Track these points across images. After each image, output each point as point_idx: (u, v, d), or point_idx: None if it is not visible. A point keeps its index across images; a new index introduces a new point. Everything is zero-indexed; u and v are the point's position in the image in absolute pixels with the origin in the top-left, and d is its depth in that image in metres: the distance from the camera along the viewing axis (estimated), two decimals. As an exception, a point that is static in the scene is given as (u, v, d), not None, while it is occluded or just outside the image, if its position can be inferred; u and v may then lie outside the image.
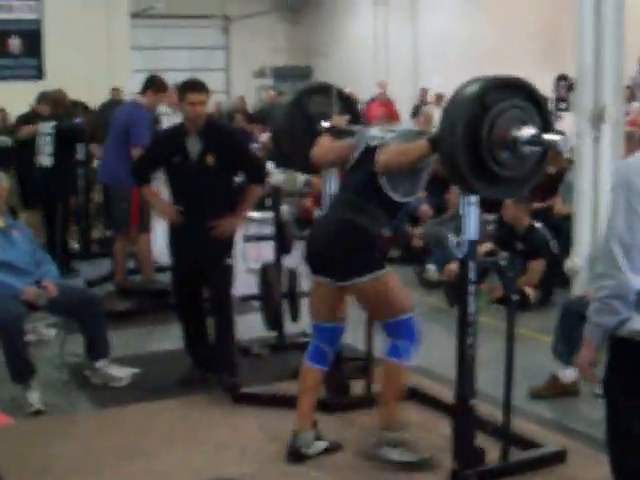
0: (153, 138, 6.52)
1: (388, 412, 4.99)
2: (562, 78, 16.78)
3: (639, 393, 3.42)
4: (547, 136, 4.14)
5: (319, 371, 5.21)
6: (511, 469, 4.80)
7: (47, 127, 10.11)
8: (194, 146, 6.12)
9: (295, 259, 7.79)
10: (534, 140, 4.10)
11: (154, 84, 8.55)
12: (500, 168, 4.15)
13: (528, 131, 4.11)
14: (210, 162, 6.09)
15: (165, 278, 9.20)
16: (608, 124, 7.02)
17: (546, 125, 4.25)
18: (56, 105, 10.37)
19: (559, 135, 4.24)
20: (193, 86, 6.15)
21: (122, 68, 14.98)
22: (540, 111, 4.27)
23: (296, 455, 5.05)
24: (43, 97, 10.62)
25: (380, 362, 5.18)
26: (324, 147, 5.39)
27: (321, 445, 5.12)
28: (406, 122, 15.57)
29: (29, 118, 10.64)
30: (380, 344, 5.58)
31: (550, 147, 4.29)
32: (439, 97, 17.83)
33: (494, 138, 4.09)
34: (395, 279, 5.00)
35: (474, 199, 4.45)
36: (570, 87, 16.28)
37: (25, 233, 6.49)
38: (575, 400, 6.00)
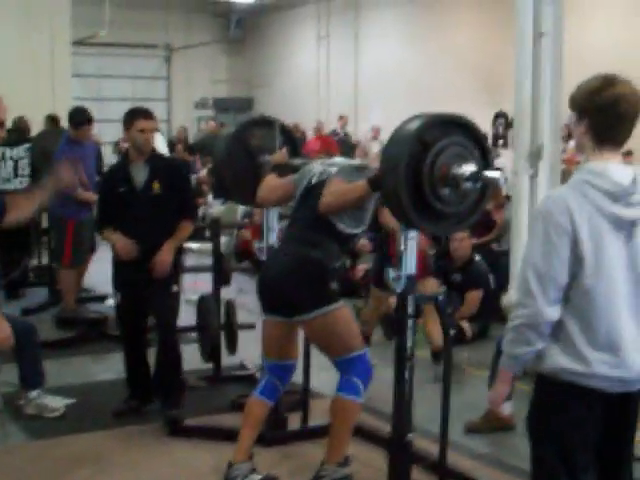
0: (101, 180, 6.51)
1: (335, 447, 4.94)
2: (500, 115, 16.99)
3: (563, 435, 3.40)
4: (487, 173, 4.19)
5: (267, 406, 5.20)
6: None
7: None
8: (140, 174, 6.11)
9: (233, 291, 7.80)
10: (474, 177, 4.15)
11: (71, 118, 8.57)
12: (442, 205, 4.18)
13: (468, 168, 4.15)
14: (156, 190, 6.08)
15: (103, 308, 9.17)
16: (545, 162, 7.14)
17: (486, 162, 4.30)
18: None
19: (498, 171, 4.29)
20: (141, 113, 6.15)
21: (63, 95, 14.83)
22: (479, 148, 4.32)
23: None
24: None
25: (321, 396, 5.17)
26: (268, 186, 5.37)
27: (256, 478, 5.08)
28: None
29: None
30: (318, 378, 5.61)
31: (490, 183, 4.34)
32: (376, 130, 18.02)
33: (435, 176, 4.12)
34: (347, 314, 4.99)
35: (414, 234, 4.48)
36: (508, 124, 16.50)
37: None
38: (511, 434, 6.04)
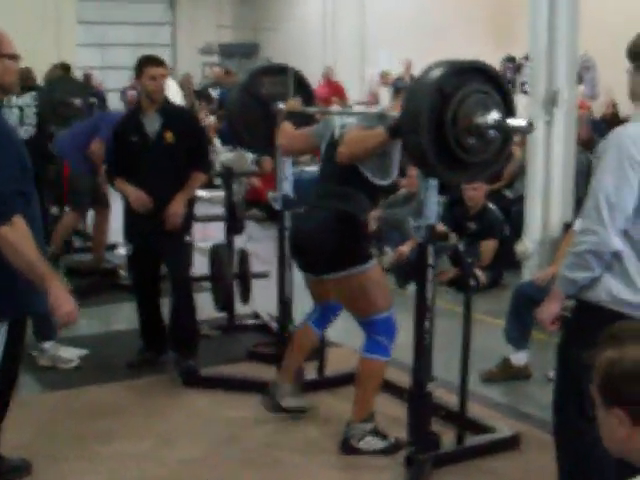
0: (112, 129, 6.40)
1: (361, 405, 4.94)
2: (509, 59, 16.81)
3: None
4: (511, 121, 4.11)
5: (316, 334, 5.37)
6: (466, 454, 4.81)
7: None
8: (152, 124, 6.02)
9: (243, 239, 7.75)
10: (498, 125, 4.07)
11: None
12: (467, 154, 4.12)
13: (492, 116, 4.07)
14: (169, 140, 6.00)
15: (116, 258, 9.13)
16: (561, 107, 7.05)
17: (508, 108, 4.22)
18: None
19: (523, 119, 4.21)
20: (153, 60, 6.06)
21: (68, 42, 14.74)
22: (502, 95, 4.24)
23: (274, 406, 5.26)
24: None
25: (337, 345, 5.15)
26: (289, 135, 5.30)
27: (294, 402, 5.29)
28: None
29: None
30: (334, 327, 5.59)
31: (515, 132, 4.27)
32: (385, 75, 17.81)
33: (459, 125, 4.04)
34: (378, 274, 4.96)
35: (434, 183, 4.41)
36: (517, 69, 16.33)
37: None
38: (527, 384, 6.02)
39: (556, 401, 3.78)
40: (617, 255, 3.41)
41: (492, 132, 4.08)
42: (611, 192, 3.36)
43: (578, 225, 3.62)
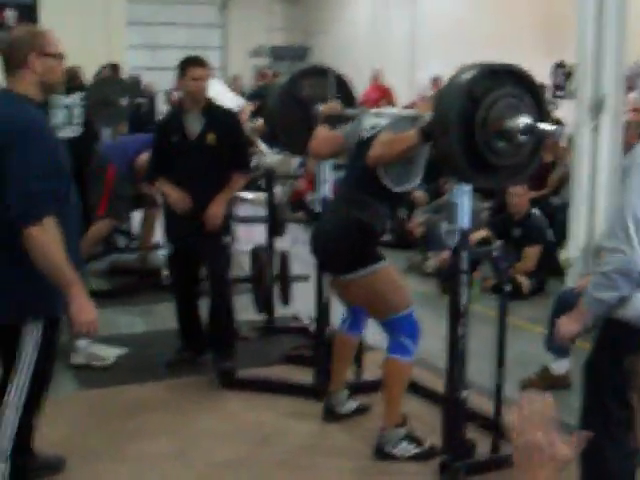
0: (155, 129, 6.40)
1: (391, 409, 4.92)
2: (560, 65, 16.67)
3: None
4: (542, 125, 4.06)
5: (356, 338, 5.44)
6: (501, 462, 4.73)
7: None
8: (194, 124, 6.02)
9: (287, 241, 7.74)
10: (529, 129, 4.02)
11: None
12: (496, 158, 4.07)
13: (523, 120, 4.02)
14: (211, 141, 5.99)
15: (158, 258, 9.15)
16: (607, 114, 6.96)
17: (541, 113, 4.16)
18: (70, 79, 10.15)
19: (554, 125, 4.16)
20: (195, 61, 6.06)
21: (119, 44, 14.85)
22: (534, 98, 4.18)
23: (331, 414, 5.35)
24: None
25: (374, 349, 5.13)
26: (318, 138, 5.27)
27: (353, 405, 5.41)
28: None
29: None
30: (370, 331, 5.56)
31: (545, 136, 4.21)
32: (436, 81, 17.71)
33: (489, 129, 4.00)
34: (392, 273, 4.94)
35: (467, 188, 4.37)
36: (568, 74, 16.19)
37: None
38: (566, 393, 5.93)
39: (582, 417, 3.74)
40: None
41: (523, 137, 4.03)
42: (638, 211, 3.30)
43: (606, 243, 3.54)
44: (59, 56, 4.05)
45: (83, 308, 3.77)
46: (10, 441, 4.00)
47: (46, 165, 3.76)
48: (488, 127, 3.99)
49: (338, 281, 5.05)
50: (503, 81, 4.10)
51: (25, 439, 4.23)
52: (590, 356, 3.65)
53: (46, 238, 3.69)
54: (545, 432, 2.02)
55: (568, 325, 3.63)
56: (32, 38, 3.98)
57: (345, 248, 4.78)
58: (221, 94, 9.28)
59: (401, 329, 4.82)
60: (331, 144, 5.23)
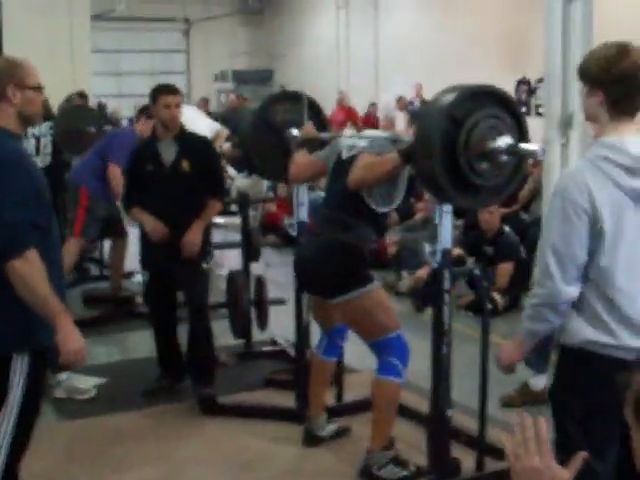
0: (129, 158, 6.40)
1: (379, 431, 4.90)
2: (523, 82, 16.82)
3: (592, 410, 3.34)
4: (524, 145, 4.10)
5: (332, 363, 5.42)
6: (486, 479, 4.76)
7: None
8: (168, 152, 6.03)
9: (260, 265, 7.74)
10: (511, 150, 4.06)
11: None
12: (479, 178, 4.10)
13: (505, 140, 4.05)
14: (185, 168, 6.00)
15: (132, 285, 9.12)
16: (576, 130, 7.03)
17: (522, 132, 4.21)
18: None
19: (535, 144, 4.20)
20: (166, 88, 6.07)
21: (83, 71, 14.75)
22: (514, 118, 4.22)
23: (312, 438, 5.33)
24: None
25: (355, 371, 5.13)
26: (297, 163, 5.31)
27: (333, 428, 5.40)
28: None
29: None
30: (351, 353, 5.57)
31: (528, 156, 4.26)
32: (402, 101, 17.79)
33: (471, 150, 4.03)
34: (381, 295, 4.96)
35: (449, 208, 4.40)
36: (531, 91, 16.35)
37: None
38: (546, 408, 5.94)
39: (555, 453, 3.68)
40: (583, 297, 3.28)
41: (504, 157, 4.07)
42: (558, 242, 3.23)
43: (536, 275, 3.53)
44: (38, 88, 4.02)
45: (70, 337, 3.74)
46: None
47: (26, 196, 3.72)
48: (470, 149, 4.02)
49: (324, 304, 5.06)
50: (483, 102, 4.13)
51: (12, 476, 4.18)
52: (550, 387, 3.63)
53: (29, 269, 3.64)
54: (542, 457, 2.05)
55: (508, 354, 3.61)
56: (11, 69, 3.92)
57: (329, 271, 4.80)
58: (196, 120, 9.26)
59: (391, 350, 4.82)
60: (312, 169, 5.27)
